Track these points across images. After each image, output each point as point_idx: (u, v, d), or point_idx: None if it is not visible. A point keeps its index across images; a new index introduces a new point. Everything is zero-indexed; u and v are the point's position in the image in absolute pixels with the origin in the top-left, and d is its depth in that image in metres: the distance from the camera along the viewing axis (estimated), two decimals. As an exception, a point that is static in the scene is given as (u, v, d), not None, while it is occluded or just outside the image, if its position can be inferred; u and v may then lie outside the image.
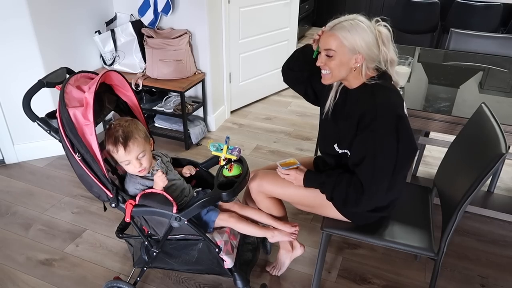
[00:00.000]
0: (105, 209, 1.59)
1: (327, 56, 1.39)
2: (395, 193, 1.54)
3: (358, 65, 1.37)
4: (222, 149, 1.55)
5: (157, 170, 1.52)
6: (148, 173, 1.52)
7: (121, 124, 1.47)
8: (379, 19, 1.39)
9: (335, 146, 1.51)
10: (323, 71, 1.43)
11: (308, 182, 1.52)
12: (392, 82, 1.45)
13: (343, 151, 1.48)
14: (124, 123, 1.47)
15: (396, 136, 1.34)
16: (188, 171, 1.69)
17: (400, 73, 1.96)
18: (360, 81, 1.43)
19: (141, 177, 1.51)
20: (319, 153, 1.71)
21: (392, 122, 1.34)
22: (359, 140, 1.38)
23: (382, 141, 1.34)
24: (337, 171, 1.47)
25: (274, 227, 1.65)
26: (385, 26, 1.39)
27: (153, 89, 2.93)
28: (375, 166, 1.35)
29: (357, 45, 1.34)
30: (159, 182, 1.46)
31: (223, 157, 1.55)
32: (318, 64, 1.42)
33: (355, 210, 1.52)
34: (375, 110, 1.34)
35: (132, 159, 1.45)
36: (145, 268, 1.72)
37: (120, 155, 1.44)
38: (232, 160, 1.56)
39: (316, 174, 1.52)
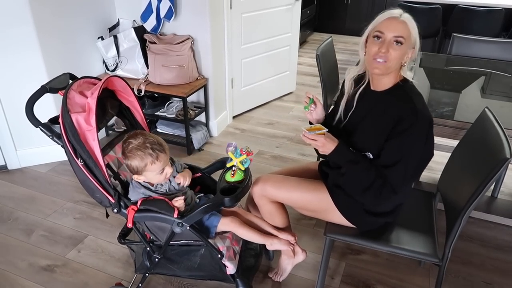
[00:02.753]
0: (107, 215, 1.59)
1: (395, 42, 1.30)
2: (402, 197, 1.53)
3: (407, 62, 1.35)
4: (238, 155, 1.53)
5: (179, 193, 1.54)
6: (153, 186, 1.52)
7: (143, 139, 1.44)
8: None
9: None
10: (378, 59, 1.32)
11: (337, 154, 1.41)
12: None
13: (364, 153, 1.47)
14: (142, 137, 1.45)
15: (424, 140, 1.34)
16: (181, 178, 1.58)
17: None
18: (390, 82, 1.40)
19: (145, 188, 1.51)
20: (321, 158, 1.70)
21: (426, 127, 1.34)
22: (394, 143, 1.35)
23: (414, 145, 1.34)
24: (367, 158, 1.44)
25: (274, 235, 1.65)
26: None
27: (155, 95, 2.94)
28: (407, 168, 1.36)
29: (416, 40, 1.32)
30: (176, 205, 1.47)
31: (235, 163, 1.54)
32: (380, 49, 1.31)
33: (369, 201, 1.47)
34: (415, 116, 1.31)
35: (167, 162, 1.48)
36: (147, 274, 1.71)
37: (162, 161, 1.44)
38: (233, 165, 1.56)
39: (348, 150, 1.44)
